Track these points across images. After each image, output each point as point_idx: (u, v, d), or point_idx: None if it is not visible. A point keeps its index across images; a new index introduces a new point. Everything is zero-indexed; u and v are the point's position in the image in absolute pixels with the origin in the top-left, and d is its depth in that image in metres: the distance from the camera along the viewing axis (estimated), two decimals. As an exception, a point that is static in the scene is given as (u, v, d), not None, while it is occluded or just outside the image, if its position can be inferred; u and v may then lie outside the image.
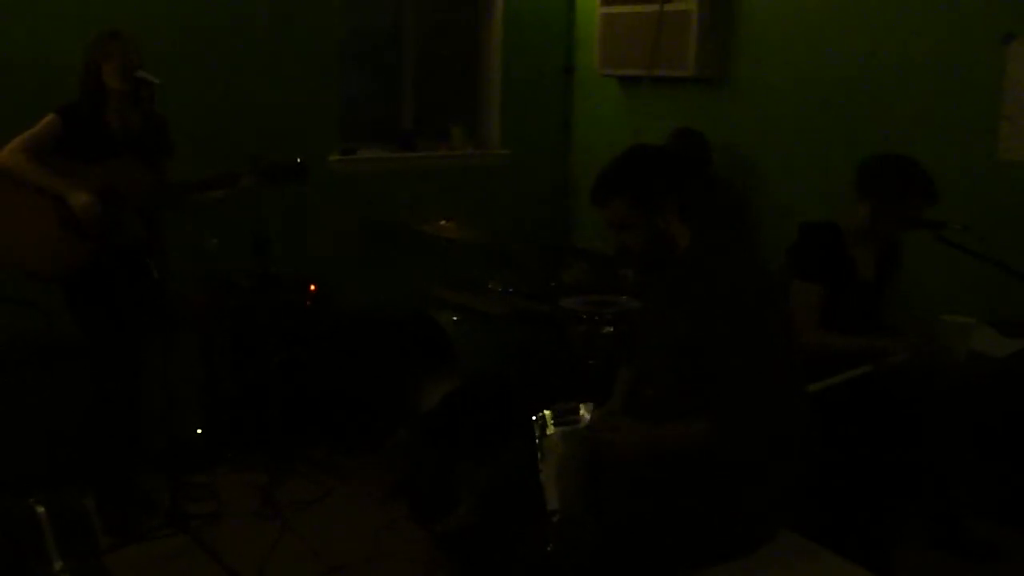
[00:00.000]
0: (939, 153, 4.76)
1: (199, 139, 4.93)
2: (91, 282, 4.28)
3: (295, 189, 4.69)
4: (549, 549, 2.90)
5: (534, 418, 3.22)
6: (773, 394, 2.79)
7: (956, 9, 4.79)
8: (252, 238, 5.06)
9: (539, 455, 3.13)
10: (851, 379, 3.60)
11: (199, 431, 5.15)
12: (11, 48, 4.92)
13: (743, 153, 5.78)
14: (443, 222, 5.51)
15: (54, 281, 4.28)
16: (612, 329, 4.96)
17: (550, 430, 3.20)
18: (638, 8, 6.04)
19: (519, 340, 5.11)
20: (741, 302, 2.81)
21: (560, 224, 6.92)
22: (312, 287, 5.40)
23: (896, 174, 3.89)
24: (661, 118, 6.06)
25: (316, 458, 5.14)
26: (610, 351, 4.87)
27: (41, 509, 3.32)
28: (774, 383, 2.80)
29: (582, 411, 3.21)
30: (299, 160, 4.50)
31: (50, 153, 4.18)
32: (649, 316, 3.28)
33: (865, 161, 4.00)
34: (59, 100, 4.25)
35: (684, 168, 3.03)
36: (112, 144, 4.26)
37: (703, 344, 2.83)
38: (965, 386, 3.64)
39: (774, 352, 2.83)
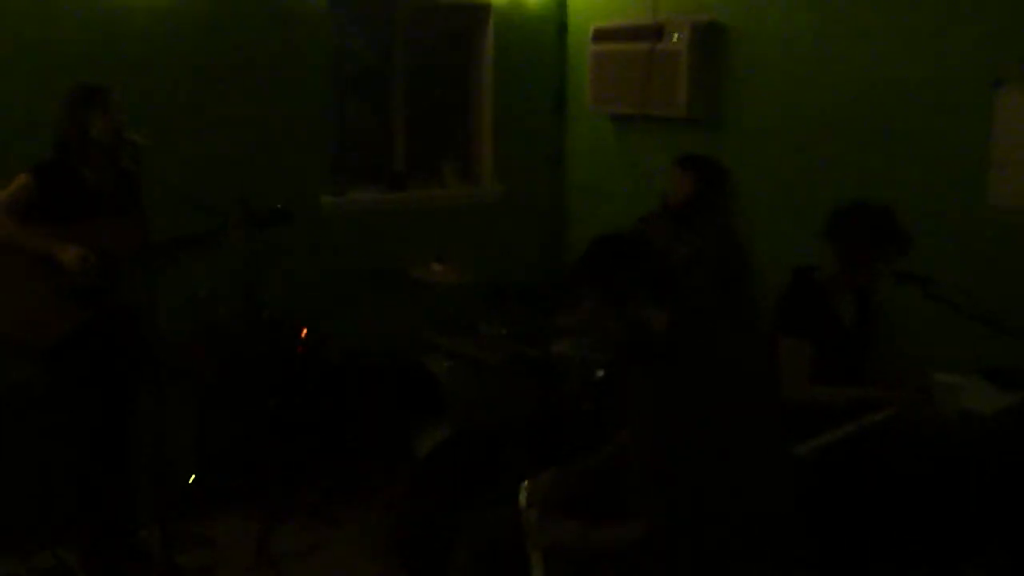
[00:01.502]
0: (928, 199, 4.78)
1: (189, 184, 4.91)
2: (81, 345, 4.22)
3: (281, 233, 4.71)
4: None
5: (521, 485, 3.24)
6: (727, 498, 2.77)
7: (945, 53, 4.78)
8: (243, 284, 5.07)
9: (524, 522, 3.15)
10: (840, 438, 3.59)
11: (193, 478, 5.13)
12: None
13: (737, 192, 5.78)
14: (435, 265, 5.50)
15: (47, 350, 4.20)
16: (604, 373, 4.96)
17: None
18: (629, 47, 6.04)
19: (512, 389, 5.11)
20: (710, 396, 2.80)
21: (554, 263, 6.89)
22: (304, 332, 5.39)
23: (862, 223, 3.90)
24: (653, 156, 6.08)
25: (311, 504, 5.13)
26: (603, 395, 4.88)
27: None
28: (732, 484, 2.77)
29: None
30: (280, 206, 4.53)
31: (24, 216, 4.09)
32: (629, 401, 3.27)
33: (836, 209, 4.00)
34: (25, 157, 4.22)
35: (648, 252, 3.01)
36: (90, 202, 4.20)
37: (665, 438, 2.83)
38: (957, 444, 3.63)
39: (744, 440, 2.81)
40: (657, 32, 5.87)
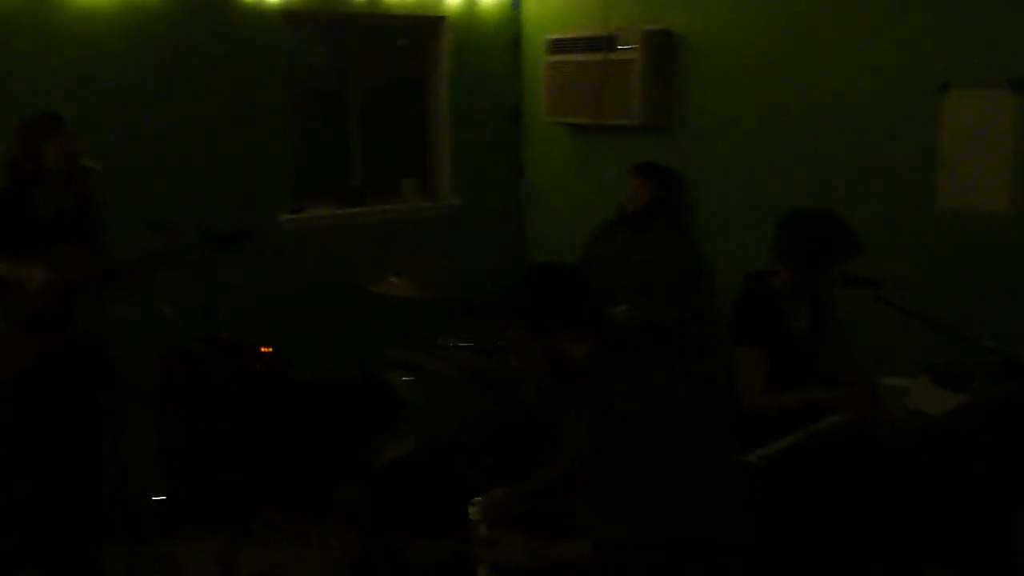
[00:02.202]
0: (879, 201, 4.83)
1: (147, 204, 4.94)
2: (42, 375, 4.19)
3: (240, 254, 4.72)
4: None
5: (471, 502, 3.26)
6: (663, 512, 2.75)
7: (894, 58, 4.84)
8: (202, 304, 5.06)
9: (474, 539, 3.16)
10: (793, 444, 3.61)
11: (157, 499, 5.11)
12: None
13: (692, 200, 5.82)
14: (393, 279, 5.50)
15: (8, 383, 4.16)
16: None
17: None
18: (583, 56, 6.07)
19: (471, 400, 5.12)
20: (628, 422, 2.78)
21: (514, 274, 6.83)
22: (264, 350, 5.38)
23: (807, 232, 3.90)
24: (611, 164, 6.10)
25: (275, 522, 5.11)
26: (557, 403, 4.89)
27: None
28: (668, 497, 2.75)
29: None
30: (240, 228, 4.52)
31: None
32: (558, 428, 3.29)
33: (779, 221, 4.01)
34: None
35: (574, 285, 3.04)
36: (44, 230, 4.17)
37: (595, 460, 2.85)
38: (906, 446, 3.66)
39: (681, 457, 2.79)
40: (610, 41, 5.90)
